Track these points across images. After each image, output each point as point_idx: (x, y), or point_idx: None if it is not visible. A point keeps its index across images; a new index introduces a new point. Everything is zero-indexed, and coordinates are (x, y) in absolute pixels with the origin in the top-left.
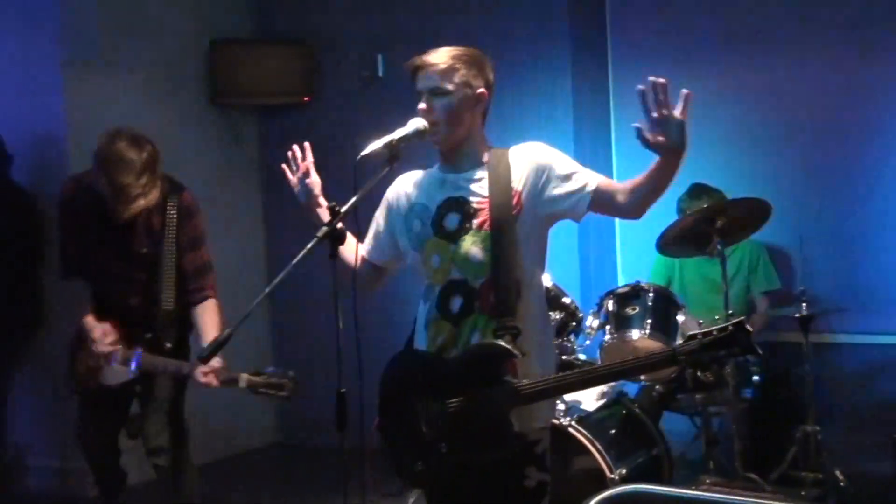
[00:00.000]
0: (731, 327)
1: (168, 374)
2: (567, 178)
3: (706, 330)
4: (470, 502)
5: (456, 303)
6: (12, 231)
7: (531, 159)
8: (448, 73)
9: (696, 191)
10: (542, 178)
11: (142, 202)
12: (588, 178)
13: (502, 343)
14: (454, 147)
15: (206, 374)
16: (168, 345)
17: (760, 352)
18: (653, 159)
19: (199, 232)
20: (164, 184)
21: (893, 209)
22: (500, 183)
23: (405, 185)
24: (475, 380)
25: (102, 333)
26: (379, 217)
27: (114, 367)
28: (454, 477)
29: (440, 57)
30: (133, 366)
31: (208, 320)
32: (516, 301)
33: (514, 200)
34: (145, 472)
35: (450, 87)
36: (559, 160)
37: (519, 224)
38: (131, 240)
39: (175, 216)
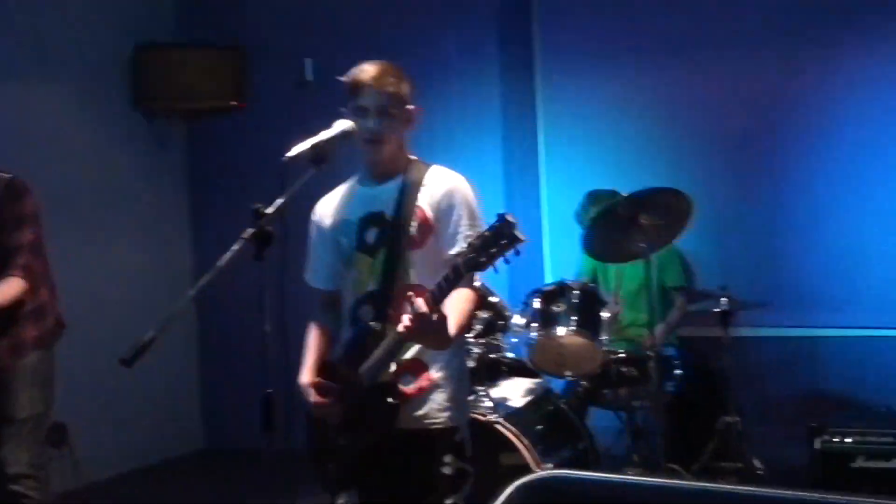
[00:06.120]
0: (496, 223)
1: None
2: (471, 225)
3: (478, 233)
4: (393, 492)
5: (367, 312)
6: None
7: (444, 190)
8: (394, 93)
9: (592, 198)
10: (450, 211)
11: None
12: (461, 243)
13: (371, 324)
14: (384, 161)
15: None
16: None
17: (524, 238)
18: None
19: (23, 213)
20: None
21: (807, 210)
22: (408, 199)
23: (327, 207)
24: (355, 364)
25: None
26: (312, 245)
27: None
28: (371, 471)
29: (383, 75)
30: None
31: None
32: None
33: (418, 217)
34: None
35: (394, 107)
36: (470, 204)
37: (417, 239)
38: None
39: None
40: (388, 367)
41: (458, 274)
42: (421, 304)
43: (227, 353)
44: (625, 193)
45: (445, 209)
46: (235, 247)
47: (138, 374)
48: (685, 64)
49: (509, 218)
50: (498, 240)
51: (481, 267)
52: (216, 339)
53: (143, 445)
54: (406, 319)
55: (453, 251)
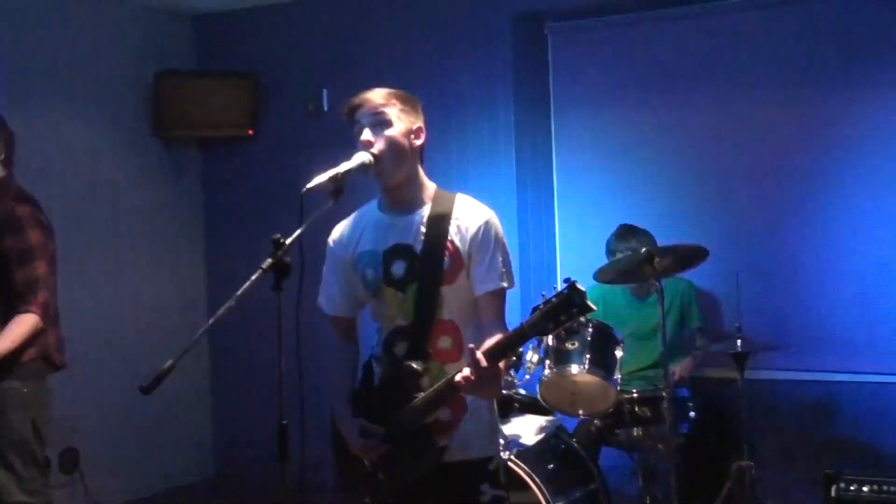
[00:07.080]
0: (566, 291)
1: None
2: (504, 262)
3: (546, 299)
4: None
5: (402, 348)
6: None
7: (478, 225)
8: (387, 106)
9: (624, 232)
10: (484, 249)
11: None
12: (494, 281)
13: (412, 364)
14: (397, 185)
15: None
16: None
17: (595, 307)
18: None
19: (28, 245)
20: (10, 193)
21: (825, 250)
22: (437, 233)
23: (346, 234)
24: (395, 403)
25: None
26: (328, 271)
27: None
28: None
29: (377, 93)
30: None
31: (10, 328)
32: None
33: (449, 251)
34: None
35: (390, 118)
36: (503, 241)
37: (449, 274)
38: None
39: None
40: (437, 410)
41: (522, 338)
42: (482, 358)
43: (240, 382)
44: (654, 235)
45: (479, 246)
46: (253, 277)
47: (151, 401)
48: (703, 99)
49: (579, 287)
50: (567, 308)
51: (546, 333)
52: (229, 367)
53: (154, 473)
54: (467, 371)
55: (486, 289)
